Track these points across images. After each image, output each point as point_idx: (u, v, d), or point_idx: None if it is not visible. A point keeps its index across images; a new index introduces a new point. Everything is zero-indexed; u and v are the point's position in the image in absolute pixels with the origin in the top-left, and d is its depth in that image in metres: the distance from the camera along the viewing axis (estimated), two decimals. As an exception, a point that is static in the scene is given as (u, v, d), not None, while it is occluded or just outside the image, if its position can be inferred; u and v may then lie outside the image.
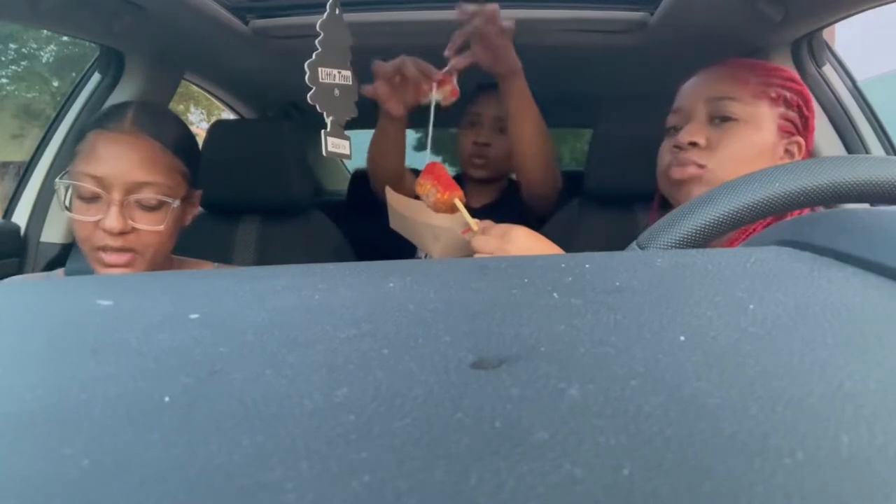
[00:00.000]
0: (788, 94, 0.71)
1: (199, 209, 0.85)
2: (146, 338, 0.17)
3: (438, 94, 0.81)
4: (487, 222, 0.74)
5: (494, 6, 0.82)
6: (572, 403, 0.13)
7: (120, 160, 0.70)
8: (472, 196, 1.23)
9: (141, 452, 0.12)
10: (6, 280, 0.80)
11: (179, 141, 0.76)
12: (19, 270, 1.16)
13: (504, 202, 1.22)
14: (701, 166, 0.71)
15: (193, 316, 0.19)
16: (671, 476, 0.11)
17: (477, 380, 0.14)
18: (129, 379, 0.15)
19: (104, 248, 0.70)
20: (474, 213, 0.75)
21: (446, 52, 0.83)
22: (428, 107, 0.82)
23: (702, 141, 0.72)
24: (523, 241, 0.65)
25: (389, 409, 0.13)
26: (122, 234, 0.70)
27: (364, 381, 0.14)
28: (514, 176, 1.30)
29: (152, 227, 0.72)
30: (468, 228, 0.73)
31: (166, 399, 0.14)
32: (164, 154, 0.74)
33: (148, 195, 0.71)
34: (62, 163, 1.16)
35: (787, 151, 0.71)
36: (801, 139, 0.71)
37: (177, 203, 0.74)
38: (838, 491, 0.10)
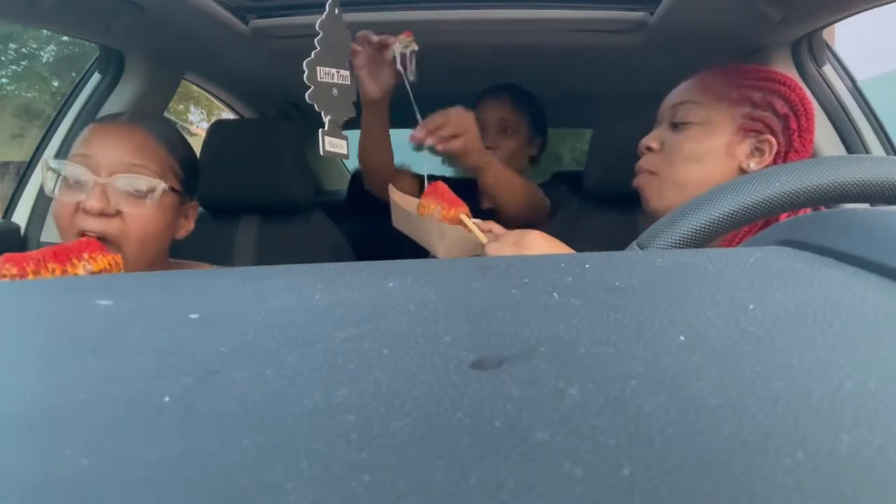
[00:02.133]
0: (757, 94, 0.71)
1: (200, 209, 0.85)
2: (146, 338, 0.17)
3: (399, 45, 0.84)
4: (490, 223, 0.74)
5: (448, 120, 0.87)
6: (572, 403, 0.13)
7: (111, 144, 0.70)
8: (484, 198, 1.23)
9: (141, 452, 0.12)
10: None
11: (174, 142, 0.76)
12: (19, 270, 1.16)
13: None
14: (652, 172, 0.75)
15: (193, 316, 0.19)
16: (671, 476, 0.11)
17: (477, 380, 0.14)
18: (129, 379, 0.15)
19: (85, 235, 0.66)
20: (486, 213, 0.75)
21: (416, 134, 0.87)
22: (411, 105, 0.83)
23: (655, 145, 0.76)
24: (539, 245, 0.66)
25: (389, 409, 0.13)
26: (103, 215, 0.67)
27: (364, 381, 0.14)
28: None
29: (137, 211, 0.69)
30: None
31: (166, 399, 0.14)
32: (157, 146, 0.73)
33: (134, 177, 0.69)
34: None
35: (756, 149, 0.71)
36: (771, 138, 0.70)
37: (163, 186, 0.72)
38: (838, 491, 0.10)
